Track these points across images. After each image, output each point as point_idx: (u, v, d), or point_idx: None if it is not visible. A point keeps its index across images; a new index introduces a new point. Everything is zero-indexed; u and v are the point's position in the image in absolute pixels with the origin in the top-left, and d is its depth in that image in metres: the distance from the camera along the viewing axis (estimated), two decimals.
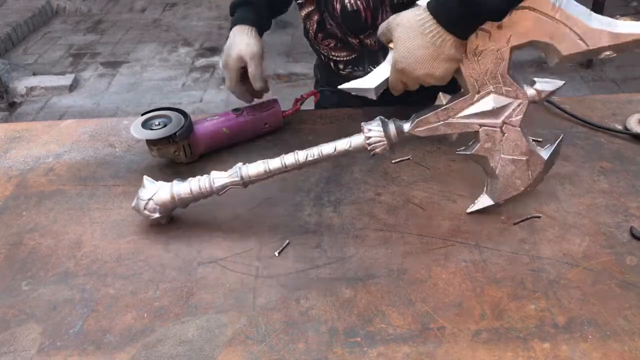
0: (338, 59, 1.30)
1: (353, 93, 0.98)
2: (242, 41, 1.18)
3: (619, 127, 1.29)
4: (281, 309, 0.88)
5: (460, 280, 0.91)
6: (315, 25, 1.23)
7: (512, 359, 0.79)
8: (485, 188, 1.02)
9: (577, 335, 0.82)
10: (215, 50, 4.58)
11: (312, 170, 1.19)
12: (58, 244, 1.03)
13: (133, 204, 1.03)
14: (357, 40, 1.24)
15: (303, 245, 1.00)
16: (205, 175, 1.02)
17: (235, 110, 1.28)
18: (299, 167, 1.00)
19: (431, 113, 0.95)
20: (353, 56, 1.28)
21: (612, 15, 0.93)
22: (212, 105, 3.75)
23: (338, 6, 1.18)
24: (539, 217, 1.03)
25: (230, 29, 1.22)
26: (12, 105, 3.91)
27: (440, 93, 0.97)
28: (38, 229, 1.07)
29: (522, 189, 0.99)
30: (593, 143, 1.24)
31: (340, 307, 0.88)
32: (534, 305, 0.87)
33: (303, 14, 1.24)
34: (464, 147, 1.00)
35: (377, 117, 0.98)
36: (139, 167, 1.23)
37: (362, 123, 0.98)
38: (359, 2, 1.18)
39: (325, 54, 1.30)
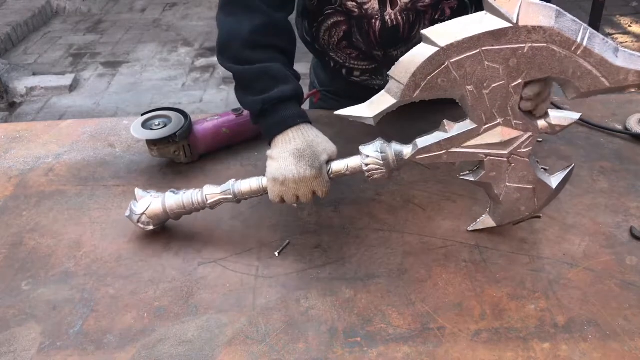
0: (356, 67, 1.28)
1: (350, 119, 0.91)
2: (329, 143, 0.98)
3: (619, 127, 1.29)
4: (281, 309, 0.88)
5: (460, 280, 0.92)
6: (342, 34, 1.19)
7: (512, 359, 0.79)
8: (488, 209, 0.99)
9: (577, 335, 0.82)
10: (215, 51, 4.57)
11: None
12: (58, 244, 1.03)
13: (126, 214, 1.02)
14: (382, 52, 1.22)
15: (303, 245, 1.00)
16: (198, 190, 1.00)
17: (235, 110, 1.28)
18: None
19: (434, 142, 0.89)
20: (373, 66, 1.26)
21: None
22: (212, 105, 3.75)
23: (378, 23, 1.15)
24: (539, 217, 1.03)
25: (275, 128, 0.98)
26: (12, 105, 3.91)
27: (445, 120, 0.90)
28: (38, 229, 1.07)
29: (527, 214, 0.95)
30: (593, 143, 1.24)
31: (340, 307, 0.88)
32: (534, 305, 0.87)
33: (329, 23, 1.19)
34: (467, 172, 0.95)
35: (377, 140, 0.93)
36: (139, 167, 1.24)
37: (360, 146, 0.93)
38: (399, 17, 1.15)
39: (342, 61, 1.27)
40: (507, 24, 0.78)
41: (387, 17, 1.14)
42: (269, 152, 0.97)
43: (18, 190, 1.18)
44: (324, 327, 0.85)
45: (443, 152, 0.90)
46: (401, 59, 0.83)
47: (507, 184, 0.92)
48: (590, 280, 0.91)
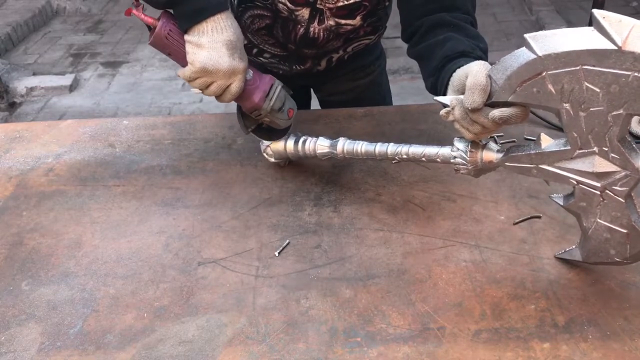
0: (268, 50, 1.31)
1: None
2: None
3: None
4: (281, 309, 0.88)
5: (460, 280, 0.91)
6: (263, 25, 1.22)
7: (512, 359, 0.79)
8: (579, 240, 0.91)
9: (577, 335, 0.82)
10: None
11: (312, 170, 1.19)
12: (58, 244, 1.03)
13: (261, 146, 1.18)
14: (295, 47, 1.26)
15: (303, 245, 1.00)
16: (313, 139, 1.10)
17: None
18: (386, 158, 1.02)
19: (524, 153, 0.85)
20: (284, 54, 1.30)
21: None
22: (212, 105, 3.75)
23: (301, 30, 1.20)
24: (539, 217, 1.03)
25: (205, 13, 0.93)
26: (12, 105, 3.91)
27: (541, 134, 0.84)
28: (38, 229, 1.07)
29: (617, 260, 0.85)
30: None
31: (340, 307, 0.88)
32: (534, 305, 0.87)
33: (255, 12, 1.20)
34: (561, 195, 0.89)
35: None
36: (139, 167, 1.23)
37: (455, 138, 0.93)
38: (321, 33, 1.20)
39: (256, 42, 1.30)
40: (611, 46, 0.69)
41: (312, 29, 1.20)
42: (194, 39, 0.93)
43: (18, 190, 1.18)
44: (324, 327, 0.85)
45: (532, 166, 0.85)
46: (502, 59, 0.80)
47: (598, 220, 0.83)
48: (590, 280, 0.91)
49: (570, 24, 4.48)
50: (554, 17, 4.63)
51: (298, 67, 1.33)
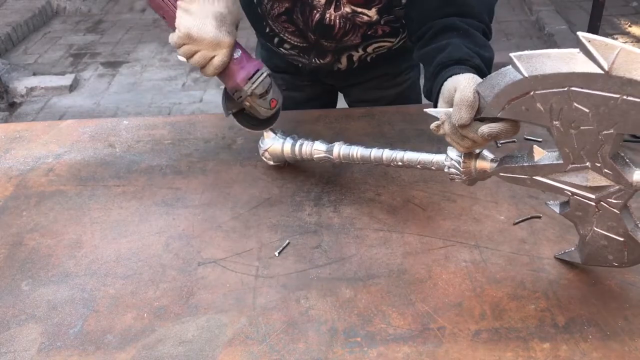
0: (289, 40, 1.31)
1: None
2: (238, 12, 1.04)
3: None
4: (281, 309, 0.88)
5: (460, 280, 0.92)
6: (283, 9, 1.22)
7: (512, 359, 0.79)
8: (578, 243, 0.90)
9: (577, 335, 0.82)
10: None
11: (312, 170, 1.19)
12: (58, 244, 1.03)
13: (258, 146, 1.19)
14: (315, 37, 1.26)
15: (303, 245, 1.00)
16: (310, 142, 1.11)
17: None
18: (382, 163, 1.02)
19: (517, 165, 0.85)
20: (304, 45, 1.30)
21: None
22: (212, 105, 3.75)
23: (317, 16, 1.20)
24: (539, 217, 1.03)
25: None
26: (12, 106, 3.91)
27: (534, 146, 0.84)
28: (38, 229, 1.07)
29: (615, 264, 0.86)
30: None
31: (340, 307, 0.88)
32: (534, 305, 0.87)
33: None
34: (557, 202, 0.88)
35: None
36: (139, 167, 1.24)
37: (448, 147, 0.92)
38: (337, 20, 1.20)
39: (277, 31, 1.30)
40: (598, 70, 0.67)
41: (327, 16, 1.19)
42: (185, 5, 0.98)
43: (18, 190, 1.18)
44: (324, 327, 0.85)
45: (526, 177, 0.84)
46: (490, 75, 0.79)
47: (595, 228, 0.83)
48: (590, 280, 0.91)
49: (570, 24, 4.48)
50: (554, 17, 4.63)
51: (317, 61, 1.33)
